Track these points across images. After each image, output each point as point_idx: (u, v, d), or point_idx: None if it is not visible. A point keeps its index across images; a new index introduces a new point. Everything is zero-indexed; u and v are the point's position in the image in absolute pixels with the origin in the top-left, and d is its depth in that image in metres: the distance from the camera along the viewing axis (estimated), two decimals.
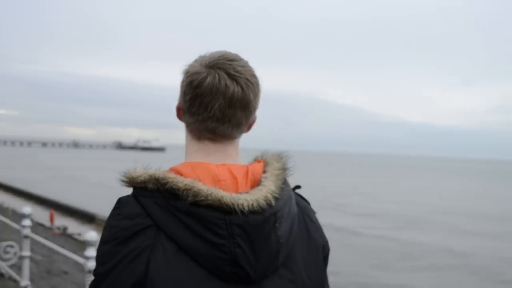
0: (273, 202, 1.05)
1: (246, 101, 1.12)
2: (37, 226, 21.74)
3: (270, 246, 1.03)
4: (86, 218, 28.80)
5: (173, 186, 1.01)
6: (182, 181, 1.02)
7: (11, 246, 6.14)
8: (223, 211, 1.01)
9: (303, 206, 1.20)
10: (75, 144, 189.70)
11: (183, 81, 1.14)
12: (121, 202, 1.08)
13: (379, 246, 19.64)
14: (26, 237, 4.47)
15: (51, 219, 24.39)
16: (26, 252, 4.50)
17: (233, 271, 1.01)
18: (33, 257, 11.03)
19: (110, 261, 1.03)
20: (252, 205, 1.02)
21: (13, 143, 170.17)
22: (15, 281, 6.78)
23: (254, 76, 1.14)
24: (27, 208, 4.46)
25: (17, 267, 6.24)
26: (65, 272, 11.99)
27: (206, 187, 1.01)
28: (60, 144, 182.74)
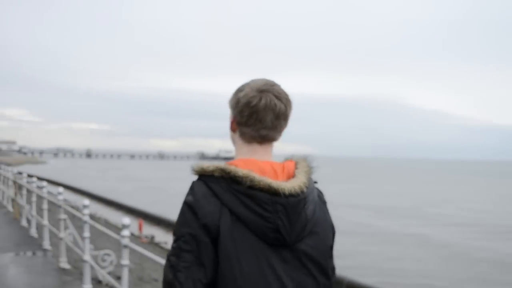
0: (304, 190, 1.49)
1: (287, 114, 1.59)
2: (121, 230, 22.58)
3: (301, 220, 1.47)
4: (172, 227, 29.53)
5: (235, 174, 1.43)
6: (241, 171, 1.44)
7: (108, 255, 6.31)
8: (270, 193, 1.43)
9: (321, 196, 1.63)
10: (161, 156, 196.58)
11: (238, 102, 1.56)
12: (194, 184, 1.50)
13: (476, 258, 18.57)
14: (126, 246, 4.53)
15: (140, 228, 25.26)
16: (126, 261, 4.56)
17: (275, 237, 1.44)
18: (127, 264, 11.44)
19: (191, 225, 1.44)
20: (291, 190, 1.44)
21: (104, 155, 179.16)
22: (112, 287, 6.97)
23: (289, 95, 1.60)
24: (126, 219, 4.55)
25: (112, 275, 6.42)
26: (156, 280, 12.31)
27: (258, 176, 1.44)
28: (147, 156, 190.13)
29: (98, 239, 9.46)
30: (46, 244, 8.36)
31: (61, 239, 7.31)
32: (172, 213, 31.51)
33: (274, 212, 1.43)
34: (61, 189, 7.66)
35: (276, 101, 1.54)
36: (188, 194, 1.48)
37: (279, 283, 1.44)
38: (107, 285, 6.92)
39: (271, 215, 1.42)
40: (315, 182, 1.61)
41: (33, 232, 9.61)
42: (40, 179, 14.11)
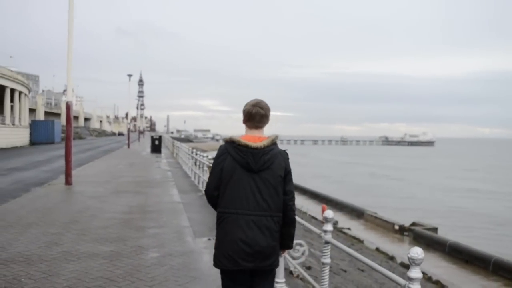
0: (262, 147, 3.24)
1: (266, 115, 3.38)
2: (310, 220, 22.52)
3: (260, 160, 3.21)
4: (355, 213, 28.95)
5: (233, 140, 3.29)
6: (236, 138, 3.29)
7: (300, 245, 5.86)
8: (246, 147, 3.24)
9: (282, 153, 3.34)
10: (343, 141, 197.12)
11: (244, 112, 3.38)
12: (220, 146, 3.41)
13: None
14: (327, 243, 3.97)
15: (323, 213, 25.03)
16: (327, 259, 3.99)
17: (247, 166, 3.23)
18: (313, 253, 11.05)
19: (215, 163, 3.36)
20: (255, 146, 3.23)
21: (288, 141, 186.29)
22: (302, 279, 6.56)
23: (267, 106, 3.40)
24: (329, 212, 3.97)
25: (301, 265, 5.97)
26: (344, 271, 11.78)
27: (243, 140, 3.26)
28: (330, 141, 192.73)
29: None
30: None
31: None
32: (356, 200, 30.86)
33: (246, 155, 3.21)
34: None
35: (260, 110, 3.35)
36: (218, 150, 3.38)
37: (249, 186, 3.23)
38: (298, 276, 6.56)
39: (245, 156, 3.22)
40: (285, 150, 3.42)
41: None
42: None
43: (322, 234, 4.03)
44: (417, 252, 2.61)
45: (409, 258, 2.64)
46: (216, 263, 3.34)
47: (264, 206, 3.21)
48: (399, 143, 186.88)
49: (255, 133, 3.34)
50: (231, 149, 3.25)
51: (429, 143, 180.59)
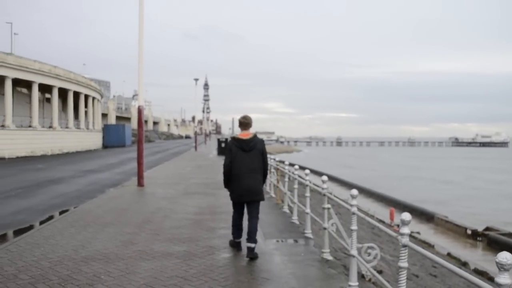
0: (249, 138, 7.03)
1: (250, 123, 7.22)
2: (378, 223, 21.90)
3: (250, 145, 6.98)
4: (425, 216, 28.05)
5: (235, 137, 7.11)
6: (236, 136, 7.13)
7: (372, 248, 5.75)
8: (241, 140, 7.01)
9: (261, 140, 7.16)
10: (411, 142, 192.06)
11: (239, 122, 7.25)
12: (229, 140, 8.78)
13: None
14: (405, 246, 3.86)
15: (391, 216, 24.43)
16: (404, 263, 3.88)
17: (243, 149, 6.97)
18: (383, 256, 10.81)
19: (227, 150, 7.14)
20: (246, 138, 7.01)
21: (353, 143, 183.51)
22: (374, 283, 6.43)
23: (250, 117, 7.24)
24: (406, 214, 3.85)
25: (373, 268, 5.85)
26: (416, 276, 11.44)
27: (240, 136, 7.06)
28: (396, 143, 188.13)
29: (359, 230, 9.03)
30: (308, 232, 8.28)
31: (324, 229, 7.05)
32: (424, 204, 29.80)
33: (242, 143, 6.90)
34: (325, 177, 7.39)
35: (246, 121, 7.10)
36: (228, 143, 7.30)
37: (246, 159, 6.88)
38: (370, 280, 6.44)
39: (242, 144, 6.91)
40: (262, 138, 7.28)
41: (295, 219, 9.72)
42: (301, 167, 14.52)
43: (399, 237, 3.92)
44: (506, 256, 2.49)
45: (497, 263, 2.52)
46: (233, 199, 7.02)
47: (254, 168, 6.85)
48: (470, 144, 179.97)
49: (245, 132, 6.97)
50: (234, 141, 6.89)
51: (503, 144, 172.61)
